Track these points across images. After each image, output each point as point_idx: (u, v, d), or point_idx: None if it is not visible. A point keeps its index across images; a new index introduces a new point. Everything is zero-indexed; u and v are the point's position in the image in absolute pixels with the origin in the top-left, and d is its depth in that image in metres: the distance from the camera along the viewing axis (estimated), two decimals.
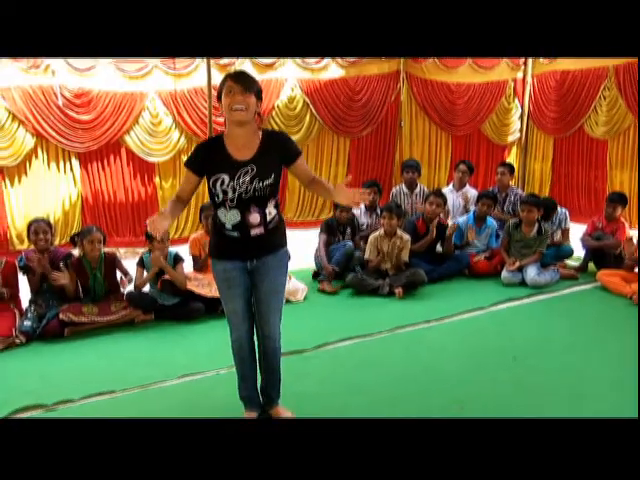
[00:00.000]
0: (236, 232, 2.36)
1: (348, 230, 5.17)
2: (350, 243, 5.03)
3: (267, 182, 2.31)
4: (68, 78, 5.53)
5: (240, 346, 2.56)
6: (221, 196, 2.31)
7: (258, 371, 2.63)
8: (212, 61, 5.58)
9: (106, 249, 4.22)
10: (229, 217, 2.34)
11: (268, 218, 2.38)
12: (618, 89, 6.45)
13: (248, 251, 2.41)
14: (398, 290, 4.54)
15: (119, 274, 4.21)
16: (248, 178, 2.28)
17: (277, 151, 2.35)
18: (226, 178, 2.28)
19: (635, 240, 4.50)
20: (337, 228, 5.12)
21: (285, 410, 2.65)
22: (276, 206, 2.43)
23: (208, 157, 2.32)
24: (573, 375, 3.14)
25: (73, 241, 4.10)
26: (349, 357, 3.43)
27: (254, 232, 2.36)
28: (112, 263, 4.15)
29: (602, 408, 2.76)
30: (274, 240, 2.45)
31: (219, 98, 2.30)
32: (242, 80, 2.23)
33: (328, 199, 2.58)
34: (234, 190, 2.29)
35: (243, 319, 2.50)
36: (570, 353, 3.45)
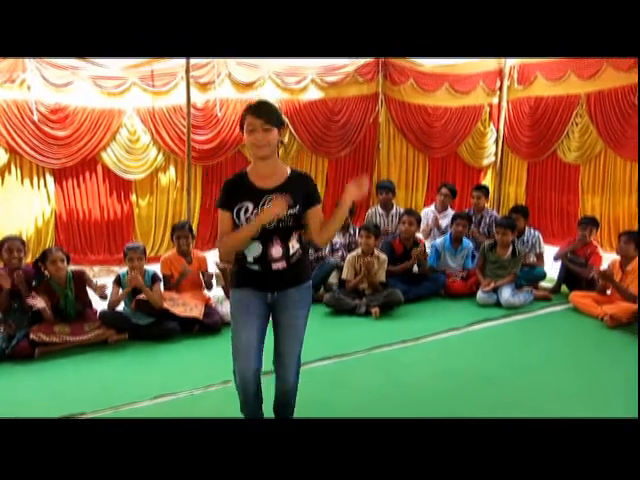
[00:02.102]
0: (257, 265, 2.30)
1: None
2: (332, 260, 5.06)
3: (292, 212, 2.24)
4: (44, 93, 5.46)
5: (245, 387, 2.45)
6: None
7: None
8: (191, 80, 5.60)
9: (75, 267, 4.16)
10: (251, 249, 2.28)
11: (291, 252, 2.31)
12: (589, 116, 6.65)
13: (270, 284, 2.34)
14: (375, 310, 4.55)
15: (94, 284, 4.13)
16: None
17: (304, 190, 2.29)
18: (250, 206, 2.23)
19: (609, 270, 4.60)
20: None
21: None
22: (299, 240, 2.35)
23: (233, 190, 2.28)
24: (547, 393, 3.18)
25: (37, 266, 4.01)
26: (325, 377, 3.41)
27: (275, 266, 2.29)
28: (81, 280, 4.08)
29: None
30: (296, 274, 2.36)
31: (242, 128, 2.25)
32: (263, 114, 2.18)
33: (339, 223, 2.39)
34: None
35: (254, 355, 2.36)
36: (544, 372, 3.49)
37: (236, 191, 2.27)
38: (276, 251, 2.27)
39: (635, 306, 4.25)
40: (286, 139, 2.33)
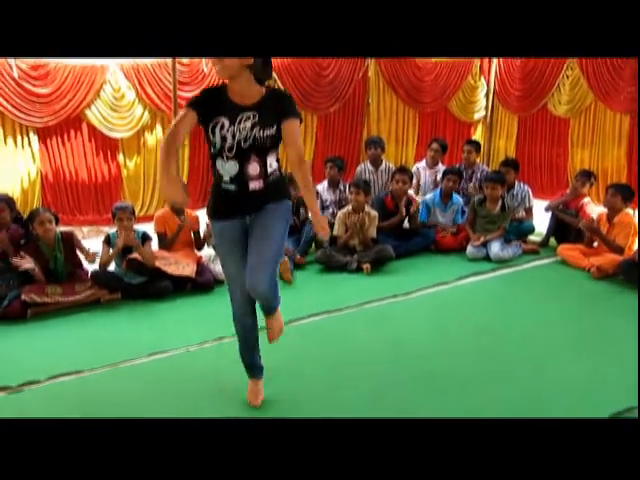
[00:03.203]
0: (233, 185, 2.25)
1: (301, 210, 4.97)
2: (308, 227, 4.86)
3: (268, 132, 2.21)
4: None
5: (240, 319, 2.46)
6: (219, 143, 2.20)
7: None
8: None
9: (66, 228, 4.12)
10: (227, 168, 2.24)
11: (269, 170, 2.27)
12: (580, 69, 6.58)
13: (246, 207, 2.30)
14: (366, 266, 4.59)
15: (84, 248, 4.11)
16: (249, 124, 2.18)
17: (279, 105, 2.23)
18: (226, 122, 2.18)
19: (595, 220, 4.65)
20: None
21: (276, 323, 2.50)
22: (277, 160, 2.33)
23: (210, 99, 2.21)
24: (535, 343, 3.28)
25: (25, 225, 3.97)
26: (318, 332, 3.48)
27: (252, 186, 2.25)
28: (70, 241, 4.05)
29: (561, 372, 2.90)
30: (274, 193, 2.32)
31: None
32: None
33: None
34: (233, 136, 2.18)
35: (242, 287, 2.33)
36: (531, 323, 3.58)
37: (214, 102, 2.21)
38: (253, 169, 2.23)
39: (620, 257, 4.33)
40: (251, 61, 2.15)
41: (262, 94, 2.25)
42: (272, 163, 2.29)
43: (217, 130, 2.19)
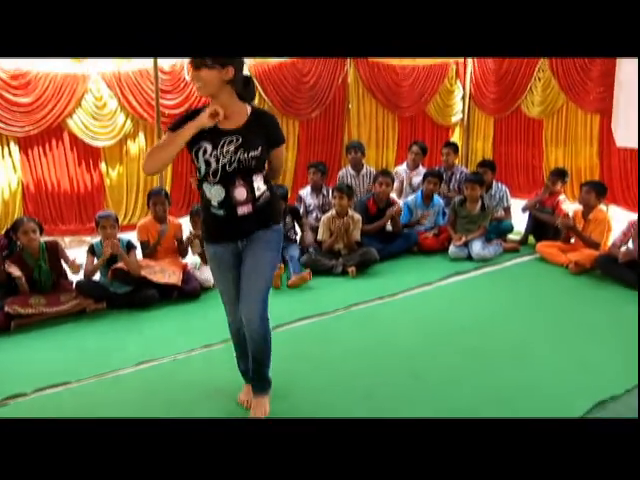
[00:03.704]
0: (222, 210, 2.23)
1: (287, 219, 5.00)
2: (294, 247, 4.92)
3: (253, 154, 2.18)
4: (3, 59, 5.25)
5: (236, 331, 2.51)
6: (204, 168, 2.18)
7: None
8: None
9: (48, 238, 4.10)
10: (214, 193, 2.21)
11: (257, 194, 2.24)
12: (551, 70, 6.75)
13: (237, 232, 2.28)
14: (351, 269, 4.65)
15: (69, 259, 4.09)
16: (232, 148, 2.15)
17: (265, 130, 2.23)
18: (208, 147, 2.16)
19: (571, 216, 4.79)
20: None
21: (260, 406, 2.47)
22: (266, 182, 2.29)
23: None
24: (517, 339, 3.36)
25: (8, 236, 3.94)
26: (307, 335, 3.51)
27: (241, 210, 2.22)
28: (55, 251, 4.02)
29: (546, 365, 2.99)
30: (264, 218, 2.29)
31: None
32: (194, 57, 2.13)
33: None
34: (217, 160, 2.15)
35: (236, 304, 2.38)
36: (514, 319, 3.67)
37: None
38: (239, 193, 2.19)
39: (596, 252, 4.47)
40: (231, 75, 2.13)
41: (247, 115, 2.22)
42: (259, 186, 2.25)
43: (200, 155, 2.17)
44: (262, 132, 2.22)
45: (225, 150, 2.16)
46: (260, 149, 2.20)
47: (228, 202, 2.21)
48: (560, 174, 5.33)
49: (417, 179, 5.98)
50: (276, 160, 2.35)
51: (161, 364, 3.16)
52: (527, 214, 5.41)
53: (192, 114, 2.22)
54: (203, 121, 2.12)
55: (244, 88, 2.23)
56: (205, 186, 2.23)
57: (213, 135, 2.17)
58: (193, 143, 2.18)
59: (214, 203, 2.23)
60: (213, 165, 2.17)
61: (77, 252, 4.68)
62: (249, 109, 2.24)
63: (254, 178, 2.23)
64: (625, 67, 5.80)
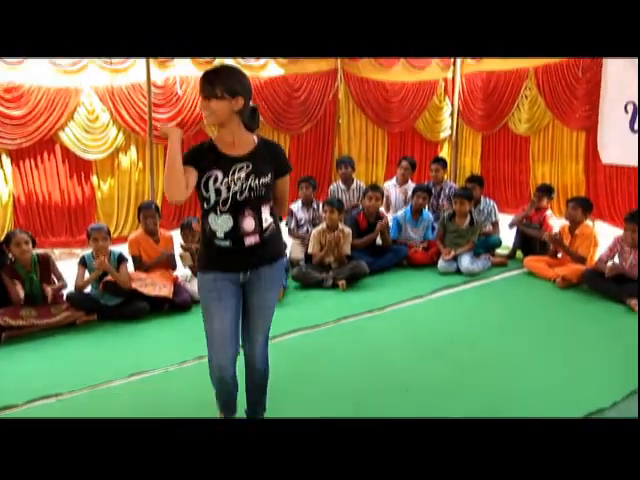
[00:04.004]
0: (228, 241, 2.17)
1: None
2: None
3: (264, 180, 2.16)
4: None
5: (221, 377, 2.35)
6: (213, 197, 2.13)
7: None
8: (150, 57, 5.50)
9: (40, 250, 4.10)
10: (220, 223, 2.15)
11: (264, 225, 2.20)
12: (538, 89, 6.90)
13: (242, 263, 2.21)
14: (341, 282, 4.69)
15: (59, 274, 4.10)
16: (243, 174, 2.13)
17: (273, 158, 2.23)
18: (220, 175, 2.12)
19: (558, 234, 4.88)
20: None
21: None
22: (272, 214, 2.25)
23: (200, 154, 2.17)
24: (505, 351, 3.41)
25: (0, 248, 3.95)
26: (297, 348, 3.53)
27: (248, 241, 2.17)
28: (47, 263, 4.04)
29: (535, 377, 3.04)
30: (271, 250, 2.26)
31: None
32: (204, 84, 2.10)
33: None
34: (228, 188, 2.12)
35: (229, 343, 2.27)
36: (502, 333, 3.72)
37: (204, 157, 2.15)
38: (248, 224, 2.15)
39: (583, 267, 4.55)
40: (240, 105, 2.11)
41: (254, 143, 2.22)
42: (267, 217, 2.22)
43: (210, 183, 2.13)
44: (270, 160, 2.22)
45: (236, 177, 2.13)
46: (269, 176, 2.19)
47: (235, 233, 2.16)
48: (546, 190, 5.43)
49: (407, 194, 6.06)
50: (282, 190, 2.31)
51: (153, 376, 3.17)
52: (515, 229, 5.50)
53: (202, 147, 2.20)
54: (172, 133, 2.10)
55: (250, 118, 2.21)
56: (211, 217, 2.17)
57: (223, 163, 2.14)
58: (202, 173, 2.14)
59: (220, 234, 2.17)
60: (224, 194, 2.12)
61: (67, 264, 4.68)
62: (255, 138, 2.24)
63: (262, 209, 2.19)
64: (610, 86, 5.95)
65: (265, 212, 2.20)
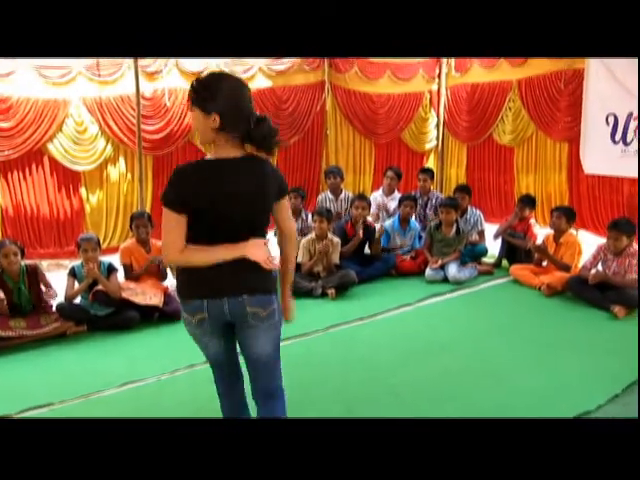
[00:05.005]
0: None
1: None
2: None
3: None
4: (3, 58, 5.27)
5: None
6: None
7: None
8: (139, 69, 5.53)
9: (28, 261, 4.10)
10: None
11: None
12: (521, 101, 7.04)
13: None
14: (331, 291, 4.73)
15: (43, 287, 4.09)
16: None
17: (276, 180, 1.97)
18: None
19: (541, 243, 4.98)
20: None
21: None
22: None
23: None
24: (492, 358, 3.47)
25: None
26: (288, 356, 3.47)
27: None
28: (35, 274, 4.03)
29: (522, 382, 3.10)
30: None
31: None
32: (191, 92, 1.88)
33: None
34: None
35: (229, 381, 2.16)
36: (489, 339, 3.79)
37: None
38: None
39: (568, 275, 4.64)
40: (217, 125, 1.84)
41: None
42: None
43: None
44: (274, 184, 1.99)
45: None
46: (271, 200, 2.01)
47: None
48: (528, 201, 5.53)
49: (393, 204, 6.14)
50: (282, 214, 2.09)
51: (145, 385, 3.18)
52: (500, 239, 5.59)
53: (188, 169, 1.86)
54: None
55: (257, 135, 1.89)
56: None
57: None
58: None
59: None
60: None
61: (55, 275, 4.67)
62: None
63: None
64: (592, 98, 6.10)
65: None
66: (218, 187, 1.83)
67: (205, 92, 1.84)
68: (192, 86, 1.88)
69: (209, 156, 1.92)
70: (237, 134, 1.88)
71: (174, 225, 1.82)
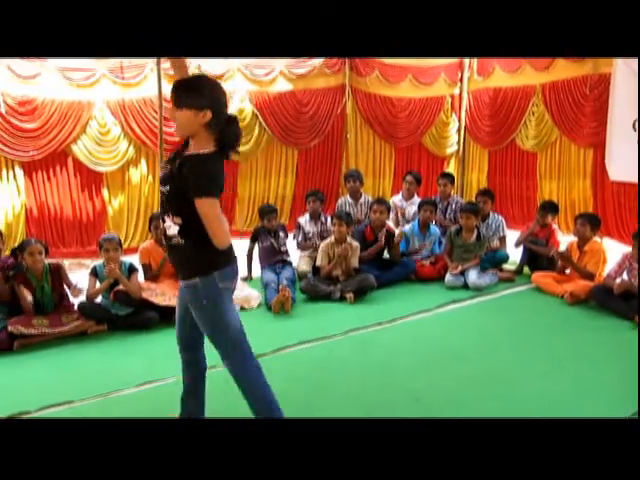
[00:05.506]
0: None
1: (281, 234, 5.18)
2: (290, 270, 5.07)
3: (166, 189, 2.13)
4: (11, 85, 5.39)
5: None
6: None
7: None
8: (162, 72, 5.60)
9: (52, 260, 4.15)
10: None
11: (168, 232, 2.17)
12: (545, 106, 6.96)
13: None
14: (349, 295, 4.70)
15: (71, 283, 4.13)
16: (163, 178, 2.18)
17: (188, 174, 2.05)
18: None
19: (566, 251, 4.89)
20: (268, 234, 5.13)
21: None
22: (183, 227, 2.10)
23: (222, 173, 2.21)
24: (511, 365, 3.42)
25: (14, 254, 4.01)
26: (307, 359, 3.55)
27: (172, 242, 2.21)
28: (58, 274, 4.08)
29: (542, 392, 3.04)
30: (181, 262, 2.25)
31: None
32: (172, 94, 2.06)
33: None
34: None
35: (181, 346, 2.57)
36: (508, 348, 3.72)
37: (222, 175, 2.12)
38: (167, 224, 2.17)
39: (591, 283, 4.55)
40: (208, 119, 2.01)
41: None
42: (172, 226, 2.13)
43: None
44: (187, 174, 2.08)
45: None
46: (173, 187, 2.17)
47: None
48: (550, 208, 5.43)
49: (412, 209, 6.09)
50: (200, 213, 2.12)
51: (163, 384, 3.20)
52: (521, 246, 5.50)
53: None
54: None
55: (226, 131, 2.08)
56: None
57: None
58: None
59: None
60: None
61: (77, 275, 4.73)
62: (206, 152, 2.09)
63: (167, 214, 2.16)
64: (618, 103, 5.99)
65: (170, 219, 2.14)
66: (223, 177, 2.10)
67: (193, 91, 2.03)
68: (176, 88, 2.06)
69: (195, 150, 2.08)
70: (217, 130, 2.07)
71: (220, 212, 2.05)
